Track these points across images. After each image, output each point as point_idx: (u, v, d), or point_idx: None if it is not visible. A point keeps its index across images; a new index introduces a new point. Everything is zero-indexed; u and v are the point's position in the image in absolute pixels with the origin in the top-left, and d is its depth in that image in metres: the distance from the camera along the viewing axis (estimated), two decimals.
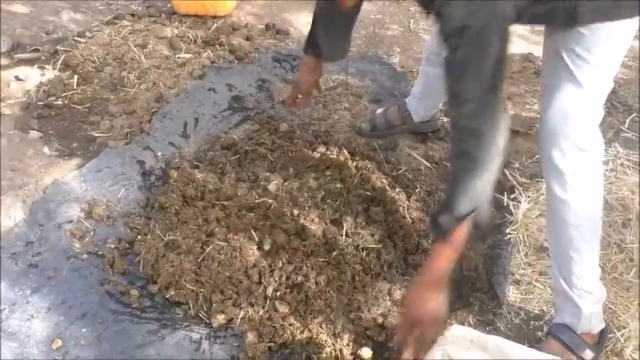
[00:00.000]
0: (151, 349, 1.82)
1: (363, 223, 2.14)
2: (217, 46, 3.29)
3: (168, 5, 3.54)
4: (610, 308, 1.97)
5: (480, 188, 1.50)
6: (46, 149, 2.48)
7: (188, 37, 3.28)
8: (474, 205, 1.51)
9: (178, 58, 3.13)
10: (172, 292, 1.94)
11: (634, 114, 2.93)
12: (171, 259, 1.99)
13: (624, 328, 1.94)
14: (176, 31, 3.33)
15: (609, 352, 1.88)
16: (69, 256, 2.04)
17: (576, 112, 1.66)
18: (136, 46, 3.12)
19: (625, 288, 2.06)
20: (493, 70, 1.40)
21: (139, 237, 2.11)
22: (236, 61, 3.20)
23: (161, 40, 3.23)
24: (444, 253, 1.57)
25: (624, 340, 1.90)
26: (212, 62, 3.13)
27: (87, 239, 2.11)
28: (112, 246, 2.08)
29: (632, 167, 2.53)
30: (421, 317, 1.56)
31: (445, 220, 1.53)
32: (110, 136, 2.57)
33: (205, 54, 3.18)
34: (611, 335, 1.90)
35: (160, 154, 2.47)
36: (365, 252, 2.05)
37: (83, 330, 1.84)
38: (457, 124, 1.53)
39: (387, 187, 2.30)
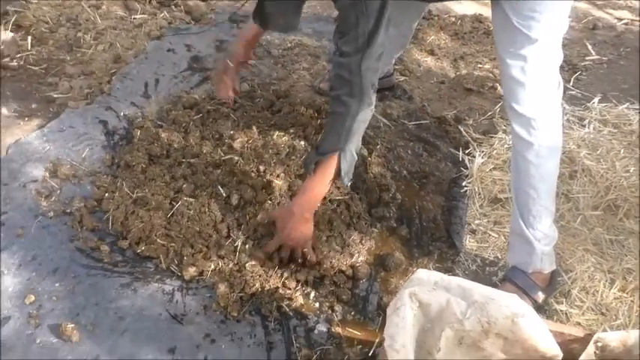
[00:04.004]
0: (125, 300, 1.86)
1: None
2: (173, 7, 3.28)
3: None
4: (558, 254, 2.10)
5: (344, 132, 1.79)
6: (4, 110, 2.45)
7: None
8: (336, 146, 1.81)
9: (134, 18, 3.11)
10: (143, 247, 1.98)
11: (578, 72, 3.08)
12: (141, 215, 2.02)
13: (571, 271, 2.08)
14: None
15: (558, 294, 2.02)
16: (36, 215, 2.05)
17: (532, 63, 1.76)
18: (89, 7, 3.08)
19: (571, 235, 2.21)
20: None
21: (107, 195, 2.13)
22: (193, 22, 3.20)
23: (115, 1, 3.19)
24: (311, 186, 1.89)
25: (571, 283, 2.05)
26: (169, 23, 3.13)
27: (53, 198, 2.12)
28: (80, 204, 2.09)
29: (578, 122, 2.67)
30: (295, 241, 1.93)
31: (311, 156, 1.88)
32: (70, 96, 2.55)
33: (162, 15, 3.17)
34: (559, 279, 2.04)
35: (122, 113, 2.48)
36: (335, 203, 2.13)
37: (56, 285, 1.87)
38: (334, 70, 1.79)
39: None
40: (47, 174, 2.18)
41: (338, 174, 1.85)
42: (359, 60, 1.70)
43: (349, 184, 1.97)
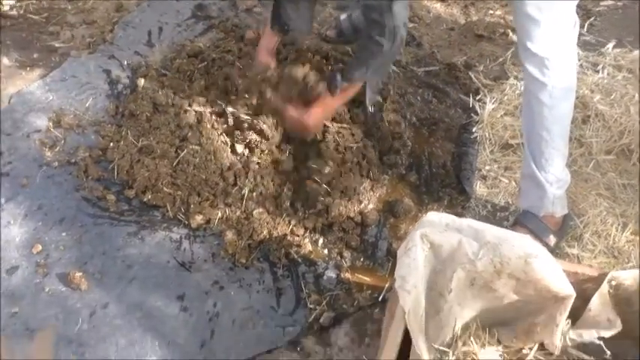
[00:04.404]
0: (133, 249, 1.85)
1: (345, 125, 2.16)
2: None
3: None
4: (570, 198, 2.06)
5: (374, 66, 1.91)
6: (5, 60, 2.41)
7: None
8: (363, 77, 1.97)
9: None
10: (149, 196, 1.96)
11: (592, 17, 2.99)
12: (147, 164, 2.00)
13: (583, 215, 2.05)
14: None
15: (570, 238, 1.99)
16: (40, 165, 2.04)
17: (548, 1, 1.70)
18: None
19: (584, 179, 2.17)
20: None
21: (111, 144, 2.10)
22: None
23: None
24: (331, 104, 2.05)
25: (583, 227, 2.02)
26: None
27: (57, 148, 2.09)
28: (84, 154, 2.07)
29: (591, 68, 2.61)
30: (299, 135, 2.11)
31: (338, 80, 1.96)
32: (72, 45, 2.51)
33: None
34: (571, 223, 2.01)
35: (125, 62, 2.43)
36: (350, 151, 2.09)
37: (63, 234, 1.86)
38: (364, 13, 1.86)
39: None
40: (51, 124, 2.16)
41: (363, 100, 2.02)
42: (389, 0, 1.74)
43: (372, 110, 2.12)
